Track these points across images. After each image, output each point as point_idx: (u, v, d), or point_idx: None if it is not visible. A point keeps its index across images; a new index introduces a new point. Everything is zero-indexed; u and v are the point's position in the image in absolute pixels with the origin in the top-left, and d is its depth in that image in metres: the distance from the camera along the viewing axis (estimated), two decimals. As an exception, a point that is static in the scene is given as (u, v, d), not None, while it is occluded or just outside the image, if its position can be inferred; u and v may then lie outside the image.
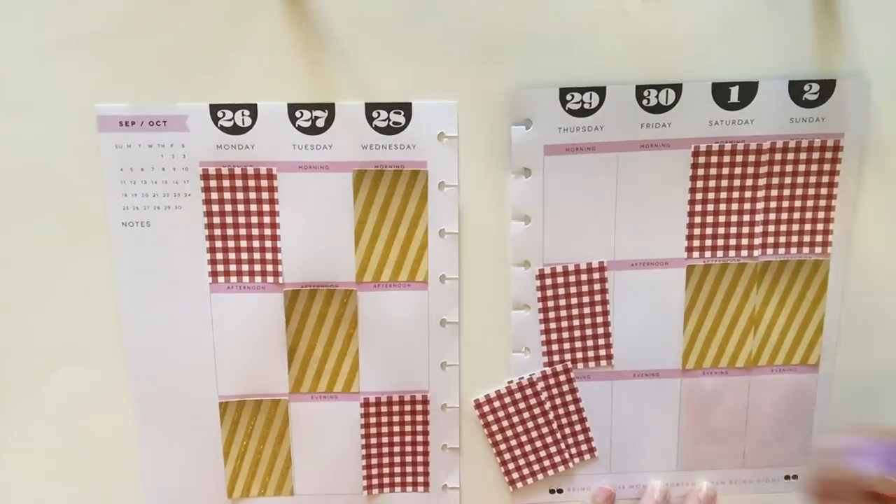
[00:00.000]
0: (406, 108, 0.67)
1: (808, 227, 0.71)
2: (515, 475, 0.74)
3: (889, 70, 0.68)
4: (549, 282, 0.71)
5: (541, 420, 0.73)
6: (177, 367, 0.71)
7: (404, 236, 0.69)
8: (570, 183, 0.69)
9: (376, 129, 0.67)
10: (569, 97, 0.66)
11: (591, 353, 0.73)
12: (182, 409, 0.72)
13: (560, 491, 0.75)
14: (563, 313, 0.72)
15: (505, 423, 0.73)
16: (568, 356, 0.73)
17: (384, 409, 0.73)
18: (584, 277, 0.71)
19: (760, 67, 0.67)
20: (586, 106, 0.67)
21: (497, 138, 0.68)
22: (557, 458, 0.73)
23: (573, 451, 0.74)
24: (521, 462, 0.73)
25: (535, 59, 0.66)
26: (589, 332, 0.72)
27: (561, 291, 0.71)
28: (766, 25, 0.66)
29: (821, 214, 0.70)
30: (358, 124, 0.67)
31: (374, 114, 0.67)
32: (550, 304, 0.71)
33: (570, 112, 0.67)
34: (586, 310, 0.72)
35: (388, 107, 0.67)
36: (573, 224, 0.70)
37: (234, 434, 0.72)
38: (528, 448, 0.73)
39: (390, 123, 0.67)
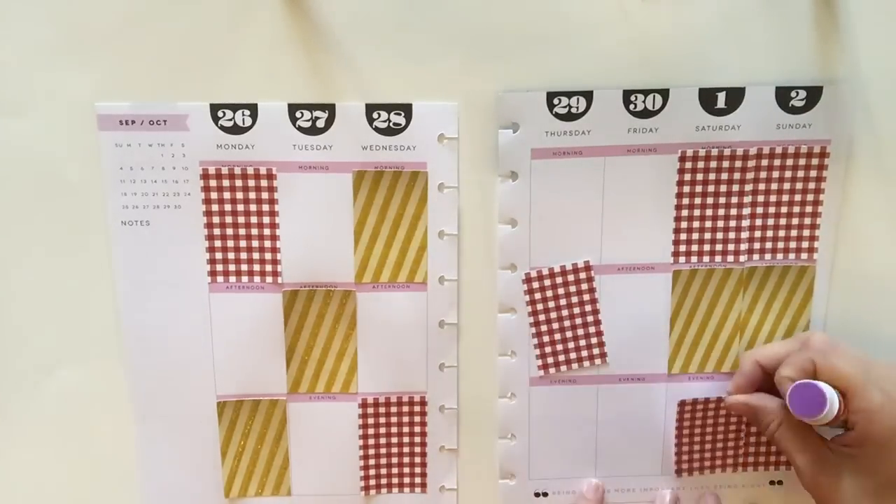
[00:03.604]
0: (406, 109, 0.58)
1: (794, 233, 0.61)
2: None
3: (878, 76, 0.59)
4: (535, 285, 0.61)
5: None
6: (175, 366, 0.61)
7: (404, 237, 0.60)
8: (557, 187, 0.59)
9: (376, 129, 0.58)
10: (556, 101, 0.58)
11: (584, 353, 0.62)
12: (180, 409, 0.62)
13: (545, 494, 0.65)
14: (553, 315, 0.62)
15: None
16: (562, 357, 0.62)
17: (382, 409, 0.63)
18: (570, 278, 0.61)
19: (751, 72, 0.58)
20: (573, 110, 0.58)
21: (493, 140, 0.59)
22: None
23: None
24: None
25: (533, 61, 0.57)
26: (581, 332, 0.62)
27: (549, 294, 0.61)
28: (761, 30, 0.57)
29: (807, 221, 0.61)
30: (358, 125, 0.58)
31: (375, 115, 0.58)
32: (539, 307, 0.61)
33: (558, 116, 0.58)
34: (576, 310, 0.62)
35: (389, 108, 0.58)
36: (560, 228, 0.60)
37: (231, 434, 0.62)
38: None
39: (390, 124, 0.58)
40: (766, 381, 0.59)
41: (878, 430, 0.52)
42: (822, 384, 0.52)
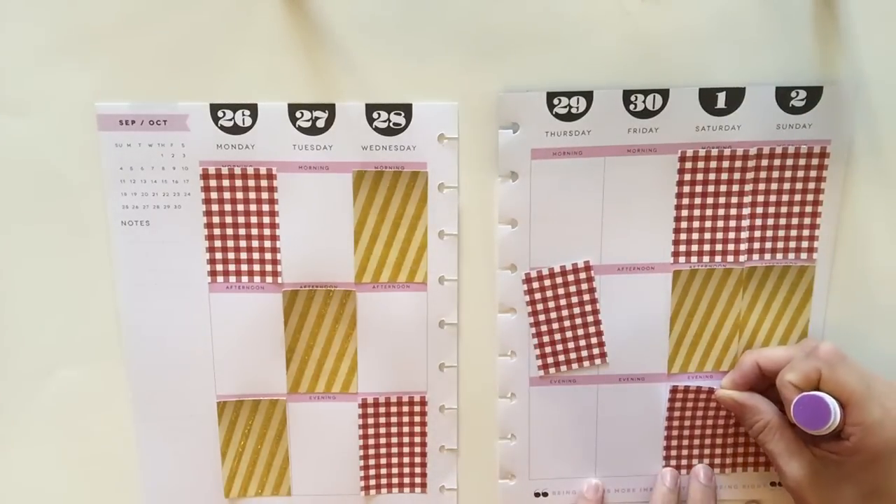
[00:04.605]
0: (406, 109, 0.58)
1: (794, 233, 0.61)
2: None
3: (878, 76, 0.58)
4: (535, 285, 0.61)
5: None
6: (175, 366, 0.61)
7: (403, 237, 0.60)
8: (557, 187, 0.59)
9: (377, 129, 0.58)
10: (556, 101, 0.58)
11: (584, 353, 0.62)
12: (180, 409, 0.62)
13: (545, 494, 0.64)
14: (553, 315, 0.61)
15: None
16: (562, 357, 0.62)
17: (382, 409, 0.63)
18: (570, 278, 0.61)
19: (751, 72, 0.58)
20: (573, 110, 0.58)
21: (493, 140, 0.59)
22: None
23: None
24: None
25: (533, 61, 0.57)
26: (581, 332, 0.62)
27: (549, 294, 0.61)
28: (761, 30, 0.57)
29: (807, 221, 0.60)
30: (358, 125, 0.58)
31: (375, 115, 0.58)
32: (539, 307, 0.61)
33: (558, 116, 0.58)
34: (576, 310, 0.61)
35: (389, 108, 0.58)
36: (560, 228, 0.60)
37: (231, 433, 0.62)
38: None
39: (390, 124, 0.58)
40: (761, 382, 0.59)
41: (872, 444, 0.52)
42: (827, 397, 0.53)
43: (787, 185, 0.59)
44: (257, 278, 0.60)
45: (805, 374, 0.54)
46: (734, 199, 0.59)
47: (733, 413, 0.61)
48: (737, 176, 0.59)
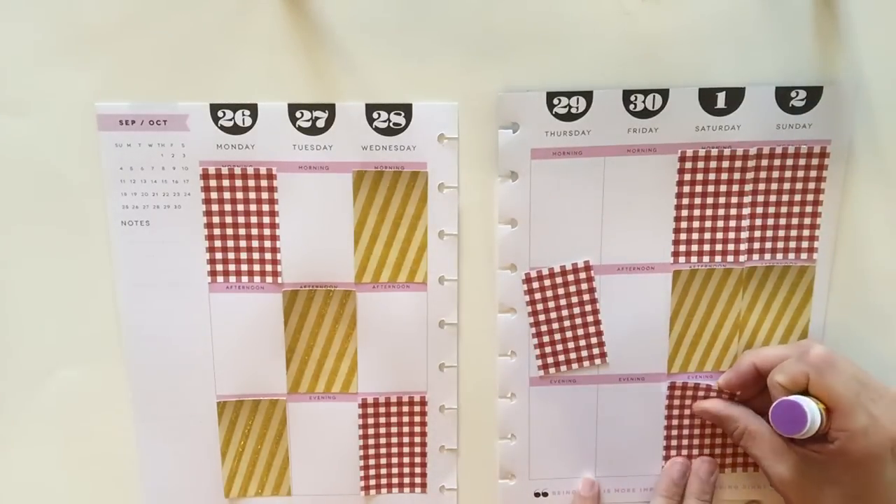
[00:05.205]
0: (406, 109, 0.58)
1: (794, 233, 0.61)
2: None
3: (878, 76, 0.58)
4: (535, 285, 0.61)
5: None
6: (175, 366, 0.61)
7: (403, 237, 0.60)
8: (557, 187, 0.59)
9: (377, 129, 0.58)
10: (556, 101, 0.57)
11: (584, 353, 0.62)
12: (180, 409, 0.62)
13: (545, 494, 0.64)
14: (553, 315, 0.61)
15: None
16: (562, 357, 0.62)
17: (382, 409, 0.63)
18: (570, 278, 0.61)
19: (751, 72, 0.58)
20: (573, 110, 0.58)
21: (493, 140, 0.59)
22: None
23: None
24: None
25: (533, 61, 0.57)
26: (581, 332, 0.62)
27: (549, 294, 0.61)
28: (761, 30, 0.57)
29: (807, 221, 0.60)
30: (358, 125, 0.58)
31: (375, 115, 0.58)
32: (539, 307, 0.61)
33: (557, 116, 0.58)
34: (576, 310, 0.61)
35: (389, 108, 0.57)
36: (560, 228, 0.60)
37: (231, 433, 0.62)
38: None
39: (391, 124, 0.58)
40: (758, 382, 0.59)
41: (855, 449, 0.53)
42: (806, 403, 0.53)
43: (787, 185, 0.59)
44: (257, 278, 0.59)
45: (793, 377, 0.55)
46: (734, 199, 0.59)
47: (713, 423, 0.62)
48: (737, 176, 0.59)
